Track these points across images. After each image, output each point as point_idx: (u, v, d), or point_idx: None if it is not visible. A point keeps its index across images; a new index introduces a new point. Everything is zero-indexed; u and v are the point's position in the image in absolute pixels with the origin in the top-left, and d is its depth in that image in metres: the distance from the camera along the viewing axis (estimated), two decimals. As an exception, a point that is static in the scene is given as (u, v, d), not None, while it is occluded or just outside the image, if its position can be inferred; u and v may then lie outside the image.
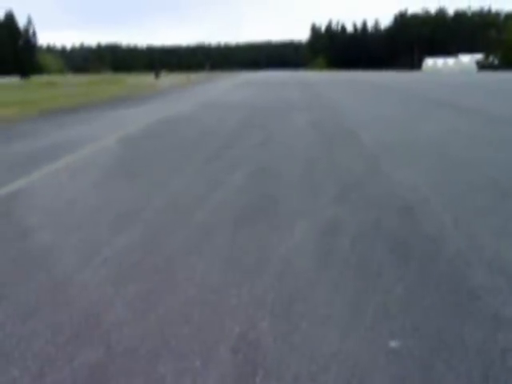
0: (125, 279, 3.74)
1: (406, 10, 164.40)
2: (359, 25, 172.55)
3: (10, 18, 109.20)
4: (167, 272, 3.87)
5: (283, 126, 12.88)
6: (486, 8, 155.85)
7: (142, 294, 3.51)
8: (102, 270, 3.93)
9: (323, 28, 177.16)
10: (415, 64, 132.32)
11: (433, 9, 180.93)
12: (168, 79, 61.82)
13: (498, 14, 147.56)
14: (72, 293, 3.55)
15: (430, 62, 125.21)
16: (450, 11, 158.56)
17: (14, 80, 76.34)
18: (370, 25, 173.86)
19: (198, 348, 2.84)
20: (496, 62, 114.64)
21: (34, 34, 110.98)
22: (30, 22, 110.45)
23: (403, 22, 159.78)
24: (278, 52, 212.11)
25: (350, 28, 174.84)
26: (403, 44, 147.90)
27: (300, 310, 3.24)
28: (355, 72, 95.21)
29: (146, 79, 60.45)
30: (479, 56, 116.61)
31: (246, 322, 3.10)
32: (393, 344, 2.84)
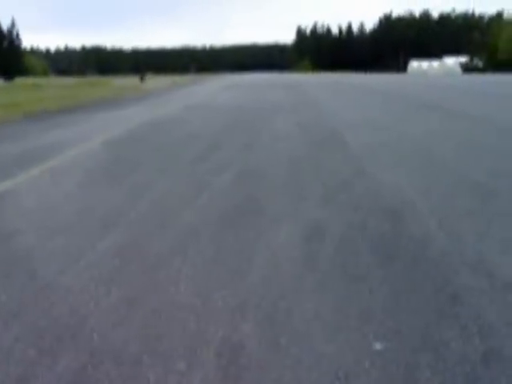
0: (109, 282, 3.73)
1: (390, 13, 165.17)
2: (344, 27, 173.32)
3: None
4: (151, 274, 3.86)
5: (269, 128, 12.88)
6: (470, 11, 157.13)
7: (125, 297, 3.50)
8: (86, 273, 3.91)
9: (308, 30, 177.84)
10: (400, 66, 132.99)
11: (417, 11, 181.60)
12: (153, 82, 61.66)
13: (481, 17, 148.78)
14: (55, 296, 3.53)
15: (415, 65, 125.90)
16: (435, 14, 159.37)
17: (-3, 82, 75.81)
18: (355, 27, 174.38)
19: (182, 351, 2.84)
20: (480, 64, 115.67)
21: (18, 36, 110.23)
22: (13, 24, 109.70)
23: (388, 24, 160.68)
24: (264, 54, 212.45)
25: (335, 30, 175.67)
26: (388, 46, 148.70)
27: (283, 315, 3.24)
28: (341, 74, 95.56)
29: (131, 82, 60.25)
30: (464, 58, 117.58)
31: (229, 324, 3.11)
32: (377, 346, 2.85)
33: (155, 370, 2.67)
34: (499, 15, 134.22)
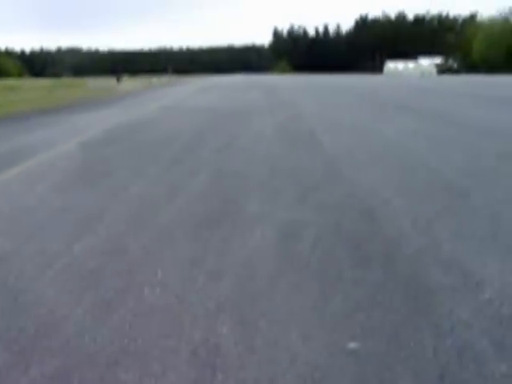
0: (83, 286, 3.72)
1: (366, 15, 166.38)
2: (321, 29, 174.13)
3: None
4: (128, 277, 3.85)
5: (245, 130, 12.89)
6: (444, 13, 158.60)
7: (100, 300, 3.49)
8: (61, 277, 3.90)
9: (285, 32, 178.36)
10: (377, 67, 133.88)
11: (393, 13, 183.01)
12: (130, 83, 61.33)
13: (455, 19, 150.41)
14: (28, 301, 3.52)
15: (391, 66, 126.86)
16: (410, 16, 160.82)
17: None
18: (331, 29, 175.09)
19: (157, 353, 2.84)
20: (455, 65, 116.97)
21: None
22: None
23: (364, 26, 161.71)
24: (241, 56, 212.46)
25: (311, 32, 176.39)
26: (364, 48, 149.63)
27: (259, 314, 3.26)
28: (317, 75, 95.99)
29: (108, 83, 59.84)
30: (438, 60, 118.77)
31: (205, 325, 3.11)
32: (352, 345, 2.88)
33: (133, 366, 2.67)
34: (473, 17, 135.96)
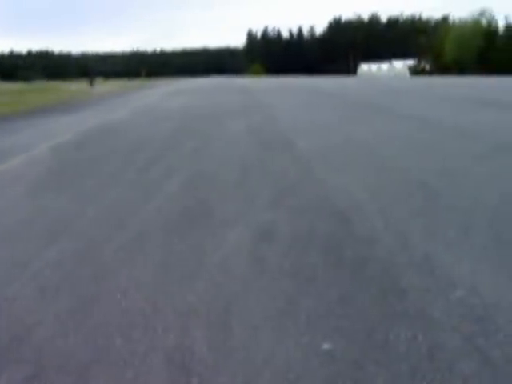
0: (55, 292, 3.70)
1: (340, 17, 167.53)
2: (295, 31, 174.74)
3: None
4: (100, 283, 3.83)
5: (219, 132, 12.88)
6: (417, 15, 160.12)
7: (70, 307, 3.47)
8: (32, 283, 3.87)
9: (259, 34, 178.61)
10: (350, 69, 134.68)
11: (366, 15, 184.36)
12: (103, 86, 60.93)
13: (428, 21, 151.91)
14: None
15: (364, 68, 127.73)
16: (383, 18, 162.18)
17: None
18: (305, 31, 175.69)
19: (129, 359, 2.83)
20: (428, 67, 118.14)
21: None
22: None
23: (338, 28, 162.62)
24: (215, 58, 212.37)
25: (285, 34, 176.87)
26: (338, 50, 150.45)
27: (233, 315, 3.27)
28: (291, 78, 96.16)
29: (80, 87, 59.35)
30: (411, 61, 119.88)
31: (179, 328, 3.11)
32: (325, 346, 2.90)
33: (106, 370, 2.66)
34: (445, 19, 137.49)
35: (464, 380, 2.56)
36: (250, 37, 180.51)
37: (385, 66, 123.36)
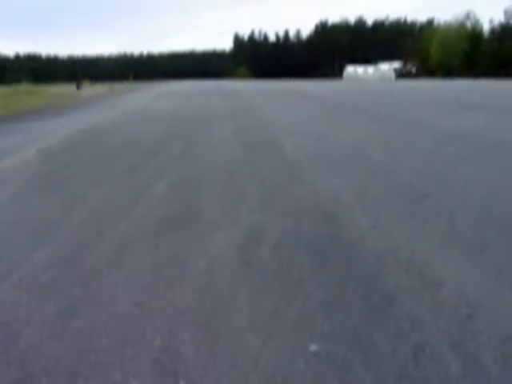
0: (44, 294, 3.68)
1: (326, 20, 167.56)
2: (281, 34, 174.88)
3: None
4: (88, 286, 3.82)
5: (206, 135, 12.88)
6: (402, 18, 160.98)
7: (60, 310, 3.46)
8: (20, 286, 3.85)
9: (246, 38, 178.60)
10: (336, 72, 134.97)
11: (352, 18, 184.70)
12: (90, 89, 60.60)
13: (413, 25, 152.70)
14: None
15: (350, 70, 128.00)
16: (369, 21, 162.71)
17: None
18: (292, 34, 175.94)
19: (118, 360, 2.83)
20: (414, 70, 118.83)
21: None
22: None
23: (324, 31, 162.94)
24: (202, 61, 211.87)
25: (272, 38, 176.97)
26: (325, 53, 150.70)
27: (221, 317, 3.28)
28: (278, 81, 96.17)
29: (68, 90, 59.03)
30: (397, 64, 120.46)
31: (168, 330, 3.11)
32: (313, 347, 2.90)
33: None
34: (430, 22, 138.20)
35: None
36: (237, 40, 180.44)
37: (370, 68, 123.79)
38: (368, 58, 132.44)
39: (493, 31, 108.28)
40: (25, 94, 49.31)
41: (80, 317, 3.33)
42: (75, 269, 4.15)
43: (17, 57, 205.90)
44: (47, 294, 3.70)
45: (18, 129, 16.28)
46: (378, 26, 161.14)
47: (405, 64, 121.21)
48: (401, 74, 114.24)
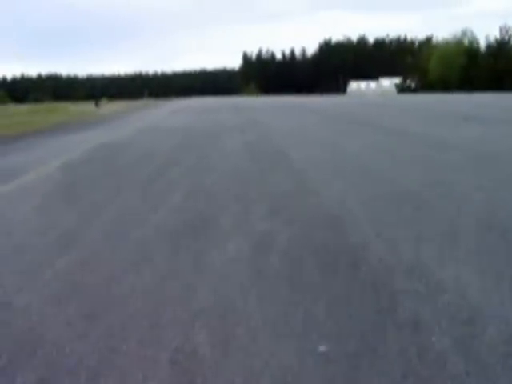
0: (67, 298, 3.69)
1: (330, 39, 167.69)
2: (288, 53, 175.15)
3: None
4: (109, 290, 3.83)
5: (218, 147, 12.93)
6: (402, 36, 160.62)
7: (84, 312, 3.46)
8: (45, 289, 3.86)
9: (254, 56, 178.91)
10: (340, 88, 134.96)
11: (355, 37, 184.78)
12: (108, 107, 60.96)
13: (413, 42, 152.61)
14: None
15: (354, 86, 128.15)
16: (371, 39, 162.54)
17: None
18: (297, 52, 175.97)
19: (136, 362, 2.82)
20: (413, 85, 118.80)
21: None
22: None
23: (328, 49, 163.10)
24: (213, 79, 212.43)
25: (279, 56, 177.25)
26: (329, 70, 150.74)
27: (234, 319, 3.27)
28: (285, 97, 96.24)
29: (87, 107, 59.39)
30: (398, 80, 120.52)
31: (184, 334, 3.10)
32: (322, 348, 2.88)
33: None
34: (429, 40, 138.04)
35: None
36: (246, 58, 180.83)
37: (373, 84, 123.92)
38: (370, 74, 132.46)
39: (489, 47, 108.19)
40: (48, 111, 49.60)
41: (103, 317, 3.33)
42: (95, 272, 4.16)
43: (39, 77, 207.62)
44: (70, 294, 3.71)
45: (41, 143, 16.48)
46: (379, 43, 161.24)
47: (405, 79, 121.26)
48: (402, 89, 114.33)
